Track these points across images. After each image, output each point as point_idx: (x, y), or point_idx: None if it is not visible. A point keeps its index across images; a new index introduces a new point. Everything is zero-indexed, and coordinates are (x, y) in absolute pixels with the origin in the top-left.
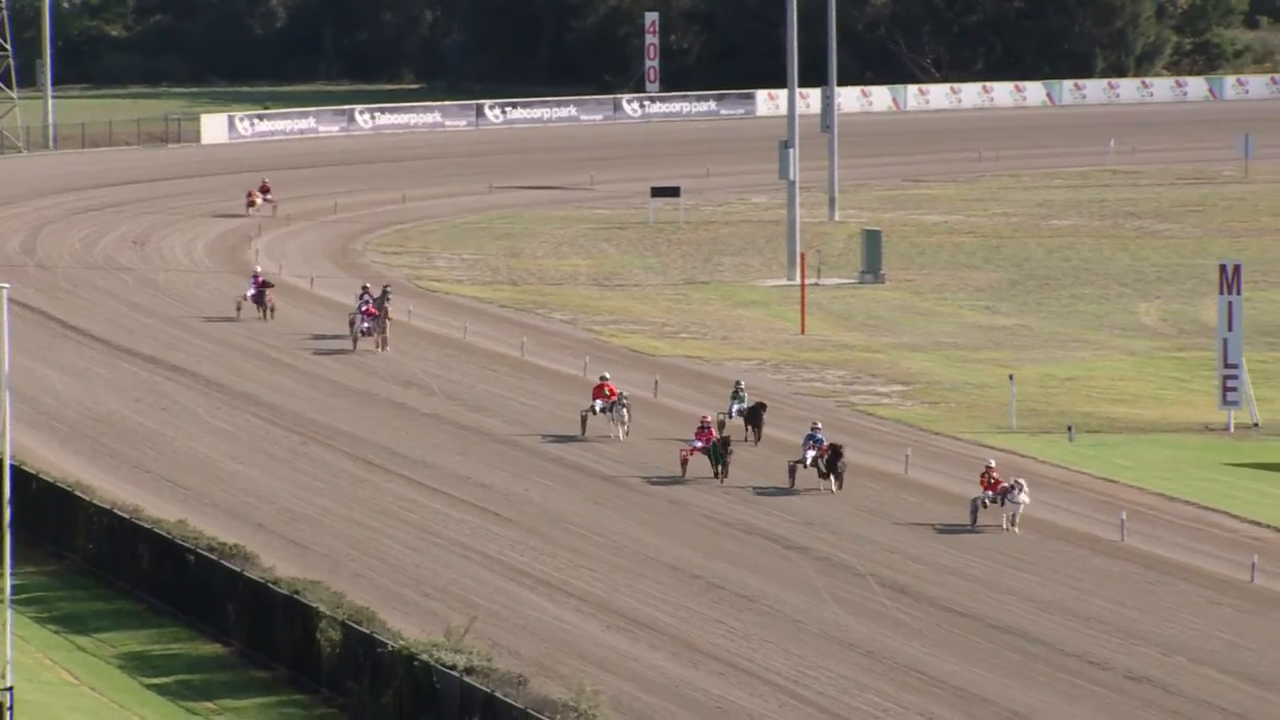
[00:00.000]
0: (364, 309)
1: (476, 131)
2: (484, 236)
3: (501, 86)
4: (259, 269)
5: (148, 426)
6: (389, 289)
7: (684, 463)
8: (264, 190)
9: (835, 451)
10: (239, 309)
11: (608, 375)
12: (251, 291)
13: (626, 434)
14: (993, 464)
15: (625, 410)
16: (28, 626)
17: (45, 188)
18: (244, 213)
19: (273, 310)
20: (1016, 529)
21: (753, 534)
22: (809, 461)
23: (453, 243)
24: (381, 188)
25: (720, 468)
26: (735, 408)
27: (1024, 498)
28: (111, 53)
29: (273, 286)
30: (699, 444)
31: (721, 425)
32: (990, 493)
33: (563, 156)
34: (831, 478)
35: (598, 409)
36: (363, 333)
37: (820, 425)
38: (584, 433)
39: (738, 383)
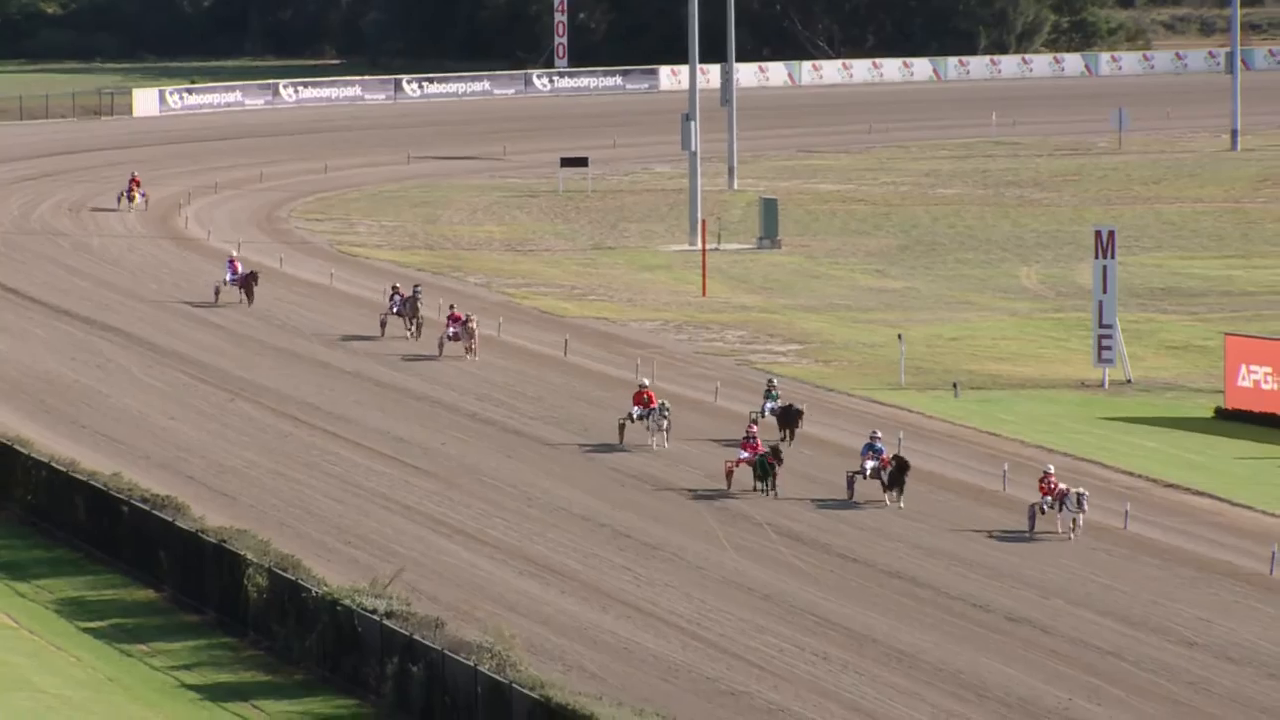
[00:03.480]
0: (450, 315)
1: (395, 105)
2: (402, 204)
3: (419, 62)
4: (235, 253)
5: (83, 384)
6: (419, 289)
7: (729, 475)
8: (135, 184)
9: (901, 463)
10: (217, 295)
11: (647, 382)
12: (229, 277)
13: (666, 444)
14: (1051, 469)
15: (665, 419)
16: None
17: None
18: (115, 207)
19: (252, 298)
20: (1073, 536)
21: (658, 486)
22: (869, 473)
23: (373, 210)
24: (305, 158)
25: (768, 481)
26: (768, 406)
27: (1085, 506)
28: (47, 29)
29: (257, 278)
30: (745, 455)
31: (754, 422)
32: (1049, 498)
33: (477, 129)
34: (896, 491)
35: (635, 416)
36: (450, 338)
37: (880, 434)
38: (621, 440)
39: (770, 380)
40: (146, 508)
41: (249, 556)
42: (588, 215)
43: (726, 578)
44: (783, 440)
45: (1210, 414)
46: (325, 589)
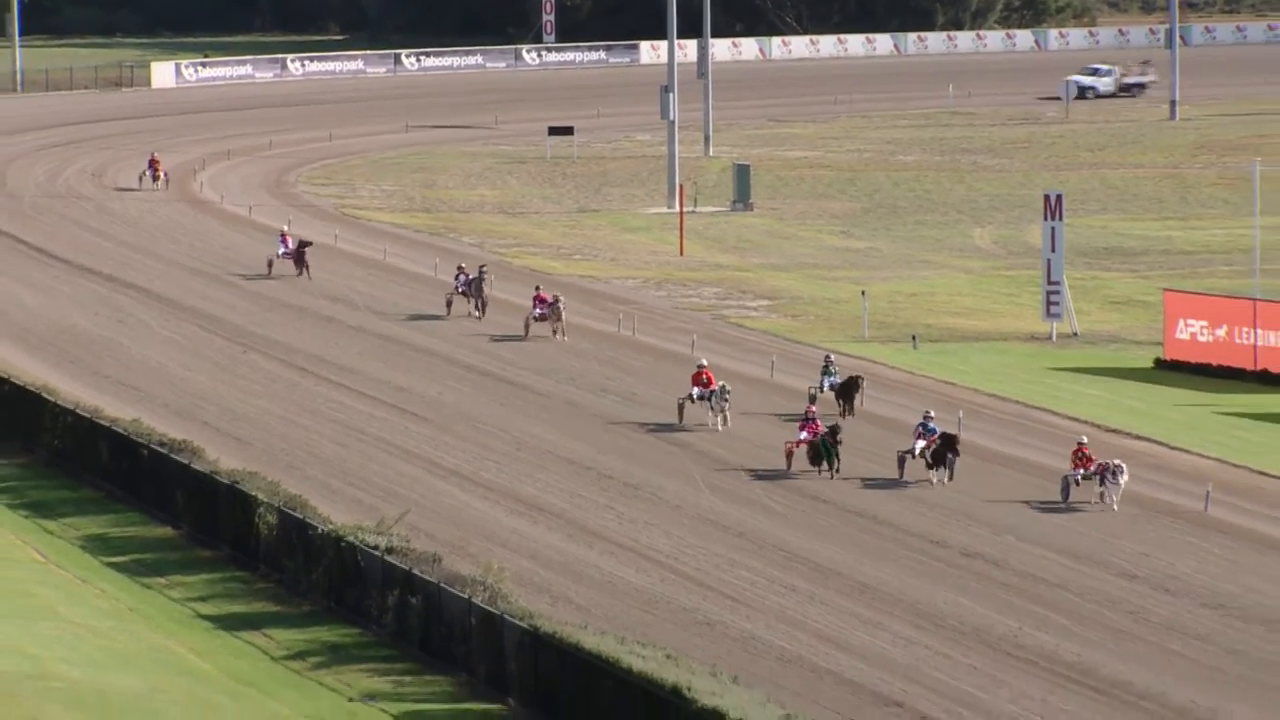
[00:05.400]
0: (536, 296)
1: (394, 77)
2: (401, 170)
3: (416, 38)
4: (286, 227)
5: (106, 336)
6: (485, 269)
7: (789, 456)
8: (155, 164)
9: (947, 441)
10: (270, 267)
11: (705, 362)
12: (282, 250)
13: (726, 424)
14: (1084, 440)
15: (726, 400)
16: (1, 512)
17: (13, 127)
18: (136, 186)
19: (308, 270)
20: (1115, 507)
21: (638, 431)
22: (918, 452)
23: (374, 175)
24: (311, 127)
25: (829, 461)
26: (827, 382)
27: (1124, 478)
28: (72, 7)
29: (310, 245)
30: (805, 436)
31: (813, 399)
32: (1082, 470)
33: (470, 100)
34: (941, 468)
35: (695, 396)
36: (535, 319)
37: (933, 414)
38: (681, 420)
39: (827, 356)
40: (165, 451)
41: (260, 496)
42: (573, 180)
43: (702, 516)
44: (842, 414)
45: (1150, 364)
46: (330, 526)
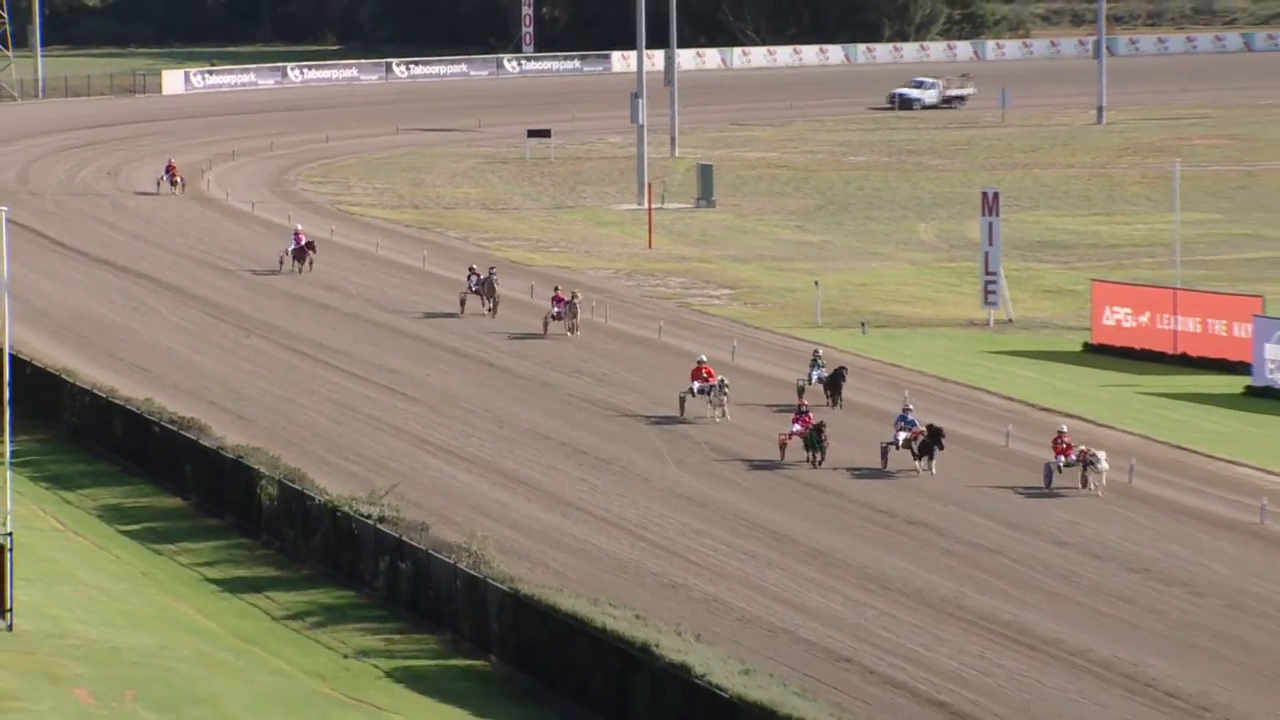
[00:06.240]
0: (554, 296)
1: (386, 85)
2: (393, 169)
3: (407, 48)
4: (300, 226)
5: (120, 323)
6: (495, 270)
7: (783, 447)
8: (172, 170)
9: (934, 433)
10: (281, 263)
11: (705, 358)
12: (293, 247)
13: (724, 417)
14: (1064, 429)
15: (725, 394)
16: (24, 484)
17: (35, 130)
18: (155, 191)
19: (311, 265)
20: (1100, 493)
21: (610, 409)
22: (900, 444)
23: (367, 174)
24: (309, 130)
25: (817, 453)
26: (815, 375)
27: (1104, 465)
28: (89, 19)
29: (314, 248)
30: (797, 428)
31: (801, 391)
32: (1063, 457)
33: (456, 105)
34: (926, 459)
35: (696, 391)
36: (553, 318)
37: (912, 407)
38: (683, 413)
39: (815, 351)
40: (174, 428)
41: (262, 470)
42: (551, 179)
43: (668, 488)
44: (827, 405)
45: (1079, 348)
46: (327, 497)
